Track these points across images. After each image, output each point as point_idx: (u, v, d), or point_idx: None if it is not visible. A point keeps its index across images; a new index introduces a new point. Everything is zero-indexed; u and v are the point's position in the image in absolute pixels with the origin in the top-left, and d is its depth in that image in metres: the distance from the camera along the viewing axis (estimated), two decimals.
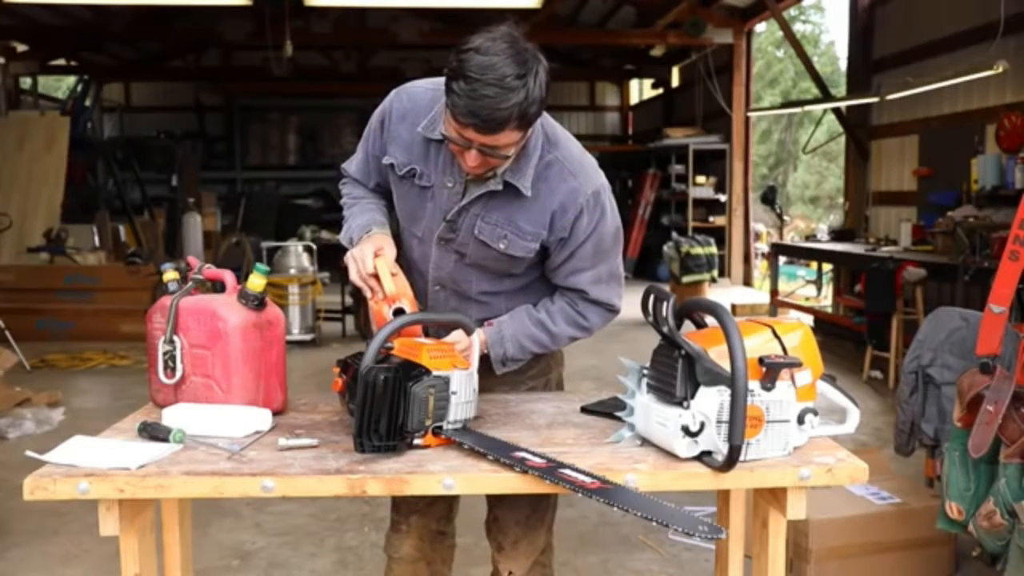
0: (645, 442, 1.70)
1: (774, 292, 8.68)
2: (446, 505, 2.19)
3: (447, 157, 1.89)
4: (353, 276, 1.90)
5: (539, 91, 1.70)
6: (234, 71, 16.14)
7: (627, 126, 17.53)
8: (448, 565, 2.27)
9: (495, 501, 2.12)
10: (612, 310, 2.03)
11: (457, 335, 1.89)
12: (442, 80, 1.77)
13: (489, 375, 2.01)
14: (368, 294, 1.89)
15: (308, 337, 8.14)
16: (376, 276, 1.87)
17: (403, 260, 2.03)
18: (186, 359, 1.87)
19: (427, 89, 1.96)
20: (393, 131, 1.97)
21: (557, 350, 2.18)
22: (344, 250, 1.98)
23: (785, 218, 11.57)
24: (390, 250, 1.92)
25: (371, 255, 1.88)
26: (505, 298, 2.04)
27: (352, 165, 2.14)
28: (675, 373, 1.58)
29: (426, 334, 1.87)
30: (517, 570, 2.14)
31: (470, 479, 1.59)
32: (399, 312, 1.85)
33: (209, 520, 3.80)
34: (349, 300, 8.53)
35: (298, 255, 8.30)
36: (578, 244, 1.92)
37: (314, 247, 8.70)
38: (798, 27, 24.21)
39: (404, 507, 2.16)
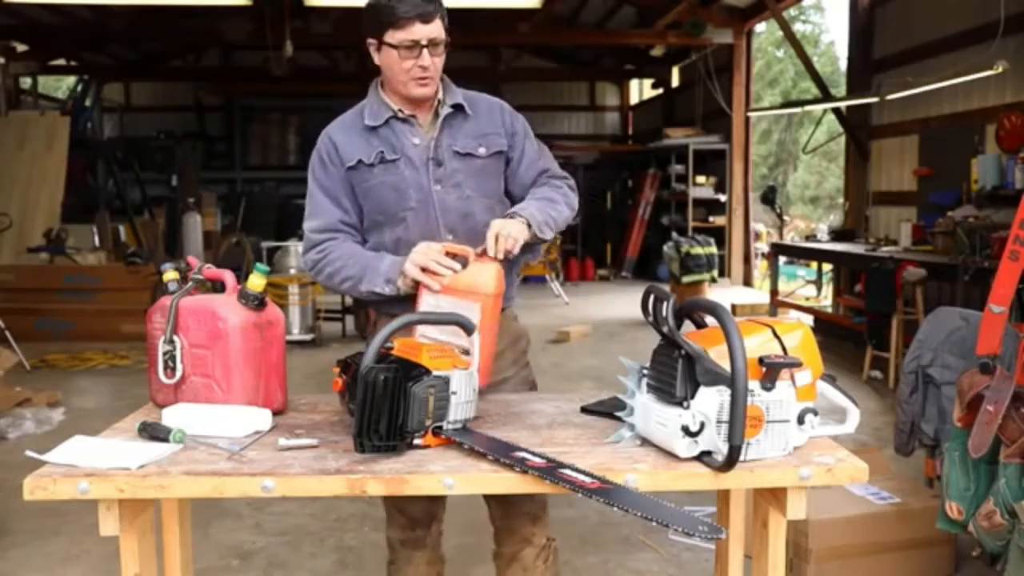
0: (645, 442, 1.70)
1: (774, 292, 8.68)
2: (440, 525, 2.29)
3: (399, 130, 2.16)
4: (428, 262, 2.00)
5: None
6: (234, 71, 16.14)
7: (627, 126, 17.52)
8: None
9: None
10: (573, 187, 2.32)
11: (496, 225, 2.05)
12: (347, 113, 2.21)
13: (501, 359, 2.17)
14: (445, 272, 2.00)
15: (308, 337, 8.14)
16: (449, 252, 2.03)
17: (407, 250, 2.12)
18: (186, 359, 1.87)
19: (344, 115, 2.23)
20: (343, 148, 2.17)
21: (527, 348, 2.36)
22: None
23: (785, 218, 11.57)
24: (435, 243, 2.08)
25: (436, 245, 2.04)
26: None
27: (318, 220, 2.20)
28: (675, 373, 1.58)
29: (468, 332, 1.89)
30: (550, 533, 2.25)
31: (470, 479, 1.59)
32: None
33: (209, 520, 3.80)
34: (349, 300, 8.52)
35: (298, 255, 8.30)
36: (523, 142, 2.26)
37: None
38: (798, 27, 24.21)
39: (411, 542, 2.24)
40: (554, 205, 2.20)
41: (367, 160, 2.15)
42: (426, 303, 2.01)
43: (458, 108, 2.19)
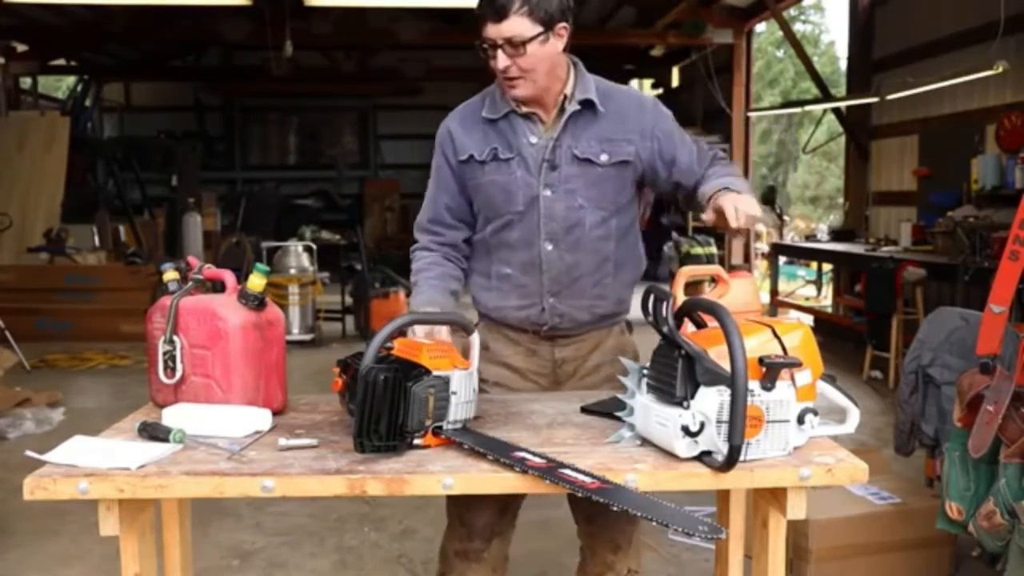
0: (645, 442, 1.70)
1: (774, 292, 8.68)
2: (504, 545, 2.17)
3: (518, 125, 2.05)
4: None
5: None
6: (234, 71, 16.10)
7: None
8: None
9: (599, 506, 2.08)
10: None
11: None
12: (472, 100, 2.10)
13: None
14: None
15: (308, 337, 8.13)
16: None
17: (501, 262, 2.12)
18: (186, 359, 1.87)
19: (468, 102, 2.14)
20: (459, 142, 2.10)
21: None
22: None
23: (785, 218, 11.56)
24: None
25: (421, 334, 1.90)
26: (615, 241, 2.13)
27: (422, 216, 2.20)
28: (675, 373, 1.57)
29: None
30: (634, 564, 2.17)
31: (470, 479, 1.59)
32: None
33: (209, 520, 3.80)
34: (349, 300, 8.52)
35: (298, 255, 8.30)
36: (679, 135, 2.12)
37: (314, 247, 8.70)
38: (798, 27, 24.20)
39: (465, 554, 2.11)
40: (743, 180, 2.05)
41: (478, 156, 2.07)
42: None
43: (588, 104, 2.04)
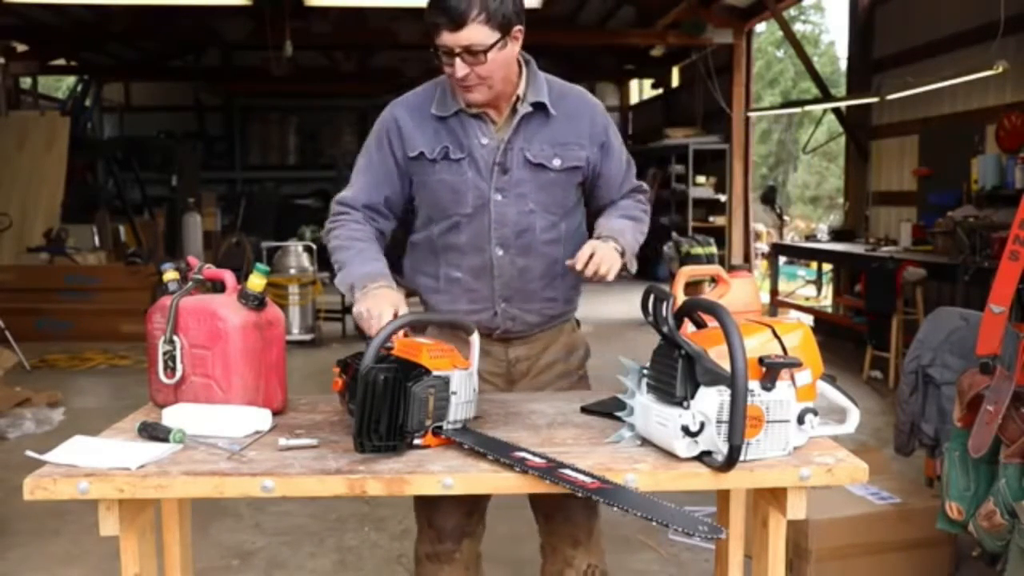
0: (645, 442, 1.70)
1: (774, 292, 8.68)
2: (476, 544, 2.16)
3: (469, 125, 2.01)
4: (372, 332, 1.82)
5: None
6: (234, 71, 16.11)
7: (627, 126, 17.50)
8: None
9: (557, 503, 2.07)
10: (647, 200, 2.29)
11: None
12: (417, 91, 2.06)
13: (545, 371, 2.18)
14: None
15: (308, 337, 8.14)
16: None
17: (450, 265, 2.08)
18: (186, 359, 1.87)
19: (416, 92, 2.10)
20: (408, 136, 2.04)
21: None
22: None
23: (785, 218, 11.56)
24: (403, 310, 1.90)
25: (390, 315, 1.85)
26: (563, 244, 2.11)
27: (351, 192, 2.10)
28: (675, 373, 1.57)
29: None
30: (595, 560, 2.14)
31: (470, 479, 1.59)
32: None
33: (209, 520, 3.80)
34: (349, 300, 8.52)
35: (298, 255, 8.31)
36: (617, 154, 2.14)
37: (314, 247, 8.69)
38: (798, 27, 24.21)
39: (437, 556, 2.10)
40: (640, 227, 2.13)
41: (429, 154, 2.02)
42: None
43: (539, 107, 2.01)
